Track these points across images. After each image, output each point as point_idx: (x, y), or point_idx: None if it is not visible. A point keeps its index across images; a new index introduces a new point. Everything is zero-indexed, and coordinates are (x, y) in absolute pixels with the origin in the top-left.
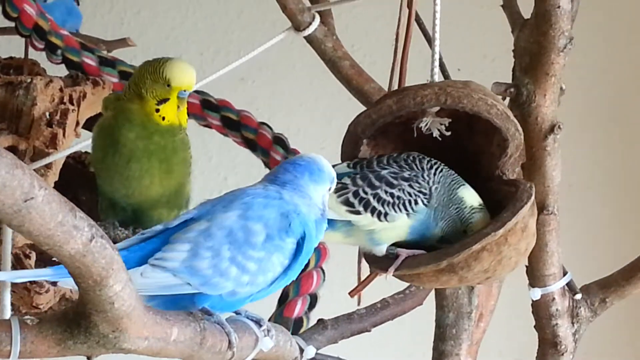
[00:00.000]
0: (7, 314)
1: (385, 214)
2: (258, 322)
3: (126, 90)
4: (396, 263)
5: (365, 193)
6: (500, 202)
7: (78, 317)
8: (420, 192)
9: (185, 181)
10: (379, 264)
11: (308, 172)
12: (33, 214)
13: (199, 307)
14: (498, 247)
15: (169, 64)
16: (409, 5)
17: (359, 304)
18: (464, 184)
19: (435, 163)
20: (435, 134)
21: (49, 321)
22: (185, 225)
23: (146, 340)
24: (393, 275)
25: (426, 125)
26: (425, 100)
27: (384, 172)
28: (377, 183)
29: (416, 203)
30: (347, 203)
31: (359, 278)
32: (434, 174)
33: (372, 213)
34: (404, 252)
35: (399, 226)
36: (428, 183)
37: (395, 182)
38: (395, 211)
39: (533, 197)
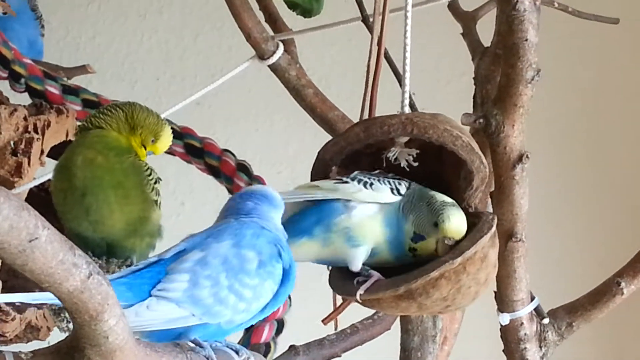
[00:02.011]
0: None
1: (371, 184)
2: (237, 351)
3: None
4: (368, 283)
5: (356, 176)
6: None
7: (72, 351)
8: (400, 182)
9: (149, 206)
10: (345, 288)
11: (266, 200)
12: (36, 253)
13: (191, 337)
14: (457, 276)
15: (164, 133)
16: (379, 44)
17: (335, 329)
18: (433, 190)
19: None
20: (403, 164)
21: (42, 355)
22: (178, 257)
23: None
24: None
25: (394, 155)
26: (392, 129)
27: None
28: (367, 176)
29: (399, 184)
30: (336, 180)
31: (334, 305)
32: (406, 181)
33: (359, 182)
34: (376, 274)
35: (373, 217)
36: (402, 184)
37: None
38: (381, 183)
39: (494, 229)
